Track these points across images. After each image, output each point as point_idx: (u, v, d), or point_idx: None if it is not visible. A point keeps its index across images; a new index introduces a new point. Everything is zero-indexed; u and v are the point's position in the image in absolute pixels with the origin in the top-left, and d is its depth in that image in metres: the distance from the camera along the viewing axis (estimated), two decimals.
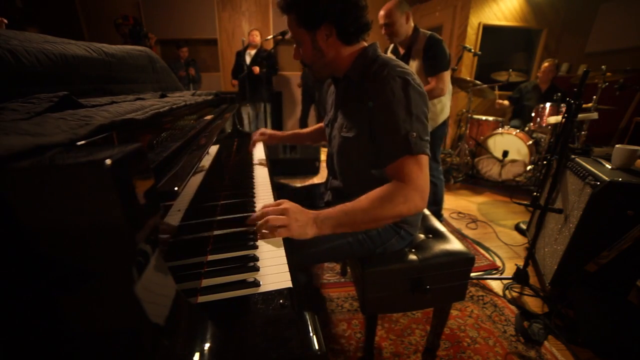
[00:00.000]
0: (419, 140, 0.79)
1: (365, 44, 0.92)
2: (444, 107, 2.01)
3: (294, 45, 0.92)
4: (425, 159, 0.80)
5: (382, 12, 1.82)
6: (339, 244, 0.94)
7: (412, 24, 1.86)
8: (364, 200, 0.77)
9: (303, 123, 4.53)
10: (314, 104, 4.41)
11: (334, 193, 1.10)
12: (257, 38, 3.80)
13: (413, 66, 1.91)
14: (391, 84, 0.80)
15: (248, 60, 3.81)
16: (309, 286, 1.31)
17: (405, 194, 0.76)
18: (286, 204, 0.75)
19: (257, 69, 3.76)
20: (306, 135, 1.44)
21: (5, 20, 1.49)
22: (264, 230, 0.70)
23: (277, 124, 5.03)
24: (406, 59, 1.94)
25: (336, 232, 0.77)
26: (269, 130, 1.47)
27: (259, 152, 1.56)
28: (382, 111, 0.81)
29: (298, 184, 3.09)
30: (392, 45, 2.04)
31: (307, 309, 0.50)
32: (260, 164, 1.38)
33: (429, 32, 1.85)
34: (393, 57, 0.91)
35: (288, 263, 0.66)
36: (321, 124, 1.40)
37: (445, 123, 2.06)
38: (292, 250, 0.73)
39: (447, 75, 1.85)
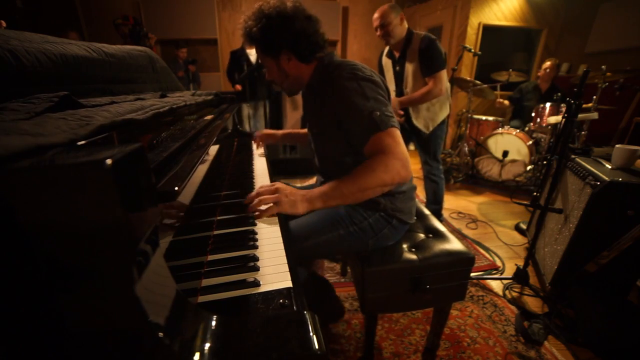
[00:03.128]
0: (384, 116, 0.84)
1: (322, 55, 0.99)
2: (443, 105, 2.00)
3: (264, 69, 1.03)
4: (396, 132, 0.84)
5: (376, 15, 1.81)
6: (331, 237, 0.96)
7: (405, 26, 1.86)
8: (350, 174, 0.84)
9: (304, 123, 4.52)
10: None
11: None
12: None
13: (409, 68, 1.91)
14: (343, 78, 0.89)
15: (253, 59, 3.80)
16: (316, 278, 1.32)
17: (386, 162, 0.81)
18: (278, 184, 0.84)
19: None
20: (303, 135, 1.47)
21: (4, 23, 1.49)
22: (257, 208, 0.79)
23: (277, 124, 5.02)
24: (402, 61, 1.94)
25: (327, 205, 0.83)
26: (267, 130, 1.55)
27: (258, 150, 1.58)
28: (342, 103, 0.88)
29: (298, 184, 3.09)
30: (387, 49, 2.04)
31: (307, 309, 0.50)
32: (260, 156, 1.45)
33: (423, 33, 1.85)
34: (353, 60, 0.99)
35: (288, 263, 0.66)
36: None
37: (444, 121, 2.06)
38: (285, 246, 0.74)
39: (444, 74, 1.85)
